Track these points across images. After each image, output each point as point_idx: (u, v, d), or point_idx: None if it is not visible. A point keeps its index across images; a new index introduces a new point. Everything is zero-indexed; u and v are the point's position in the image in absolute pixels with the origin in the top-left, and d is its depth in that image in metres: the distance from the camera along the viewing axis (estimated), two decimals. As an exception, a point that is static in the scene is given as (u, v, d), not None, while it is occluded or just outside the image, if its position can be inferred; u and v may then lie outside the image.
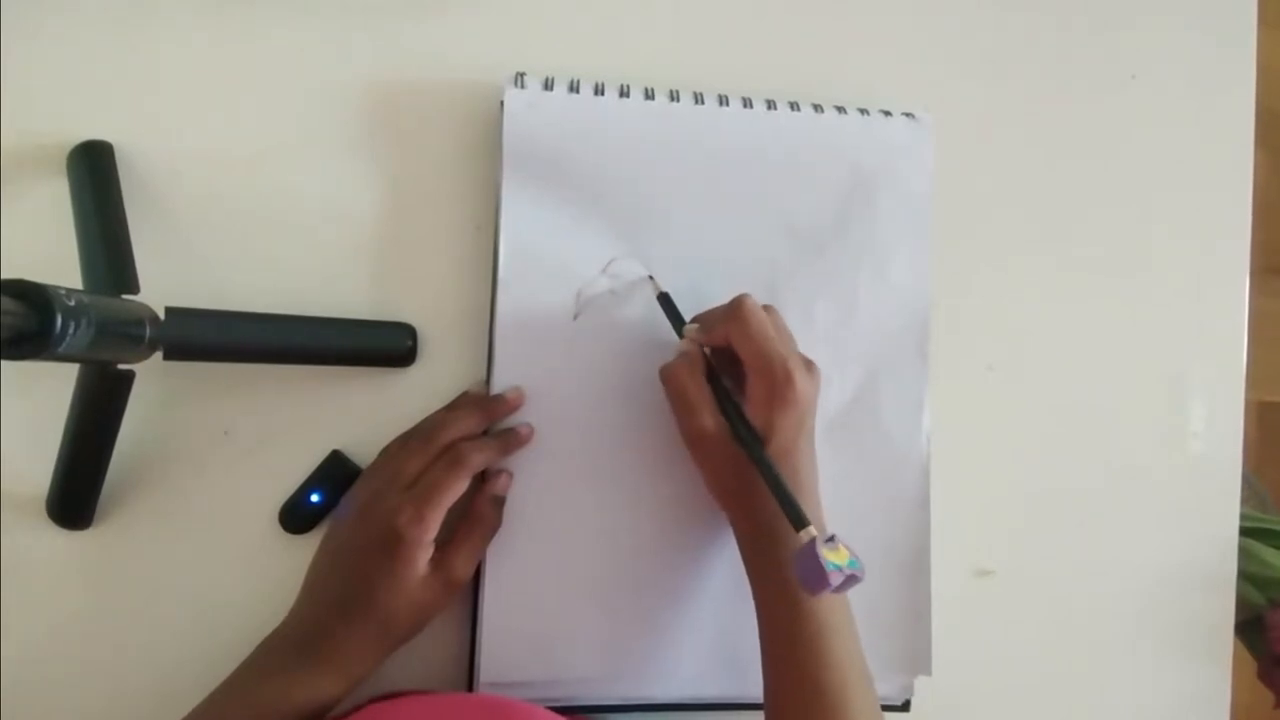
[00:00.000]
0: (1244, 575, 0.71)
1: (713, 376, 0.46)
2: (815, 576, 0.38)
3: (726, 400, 0.45)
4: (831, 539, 0.39)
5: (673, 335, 0.48)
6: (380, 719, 0.41)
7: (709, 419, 0.45)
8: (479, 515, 0.46)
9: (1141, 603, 0.59)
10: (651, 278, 0.49)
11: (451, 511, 0.44)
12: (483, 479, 0.47)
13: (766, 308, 0.46)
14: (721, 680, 0.50)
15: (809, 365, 0.45)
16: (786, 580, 0.41)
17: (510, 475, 0.47)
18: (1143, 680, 0.59)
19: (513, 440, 0.47)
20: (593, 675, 0.48)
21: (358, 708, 0.45)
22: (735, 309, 0.45)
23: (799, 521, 0.40)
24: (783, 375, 0.43)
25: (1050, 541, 0.58)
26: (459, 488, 0.44)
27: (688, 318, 0.48)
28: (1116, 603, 0.59)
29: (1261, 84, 0.61)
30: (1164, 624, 0.59)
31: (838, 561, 0.38)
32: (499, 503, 0.47)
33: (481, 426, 0.47)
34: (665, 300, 0.49)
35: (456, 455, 0.45)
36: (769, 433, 0.44)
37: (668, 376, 0.47)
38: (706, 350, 0.47)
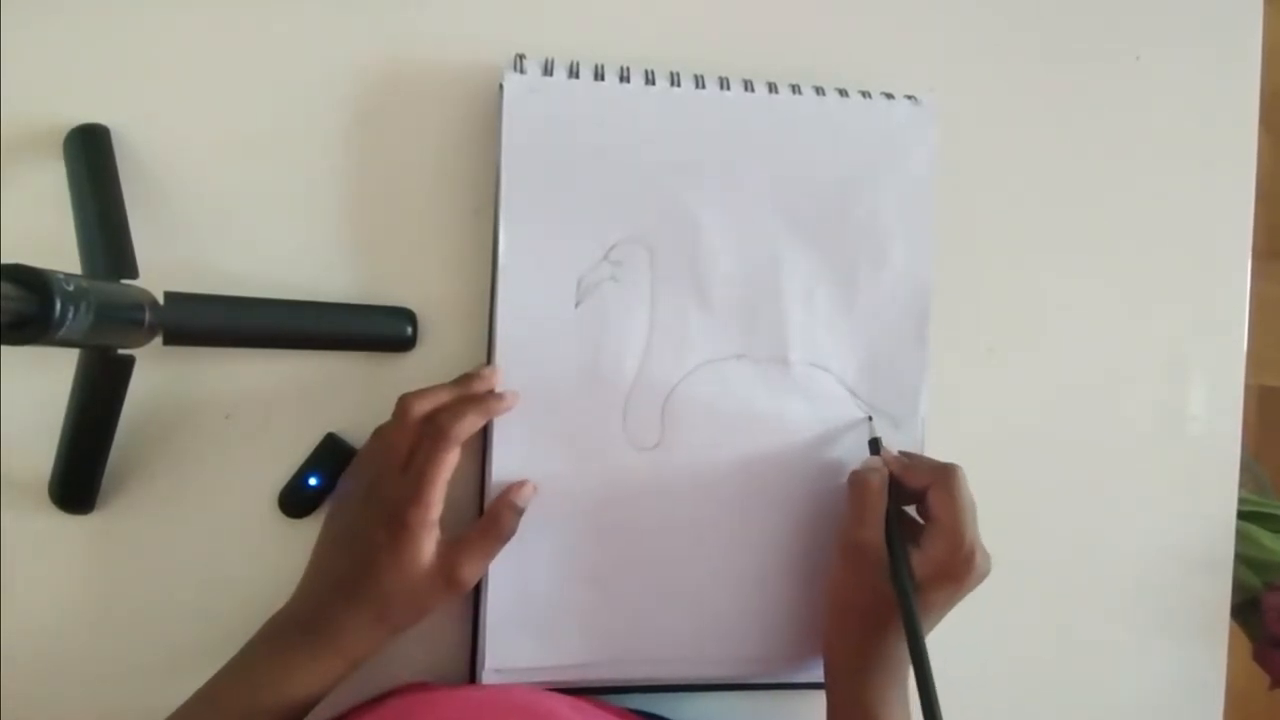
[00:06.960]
0: (1241, 559, 0.71)
1: (891, 507, 0.47)
2: None
3: (897, 540, 0.46)
4: None
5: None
6: (418, 710, 0.42)
7: (874, 535, 0.46)
8: (494, 520, 0.46)
9: (1139, 585, 0.59)
10: (871, 419, 0.51)
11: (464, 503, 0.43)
12: (482, 461, 0.47)
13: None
14: (722, 661, 0.50)
15: (986, 556, 0.46)
16: None
17: (534, 487, 0.47)
18: (1140, 662, 0.59)
19: (494, 403, 0.46)
20: (595, 659, 0.49)
21: (381, 697, 0.46)
22: (950, 476, 0.46)
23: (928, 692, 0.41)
24: (966, 555, 0.45)
25: (1048, 523, 0.58)
26: (451, 460, 0.44)
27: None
28: (1114, 585, 0.59)
29: (1267, 65, 0.61)
30: (1161, 606, 0.59)
31: None
32: (517, 512, 0.46)
33: (452, 396, 0.46)
34: (875, 447, 0.50)
35: (438, 429, 0.44)
36: (925, 591, 0.45)
37: (857, 480, 0.49)
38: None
